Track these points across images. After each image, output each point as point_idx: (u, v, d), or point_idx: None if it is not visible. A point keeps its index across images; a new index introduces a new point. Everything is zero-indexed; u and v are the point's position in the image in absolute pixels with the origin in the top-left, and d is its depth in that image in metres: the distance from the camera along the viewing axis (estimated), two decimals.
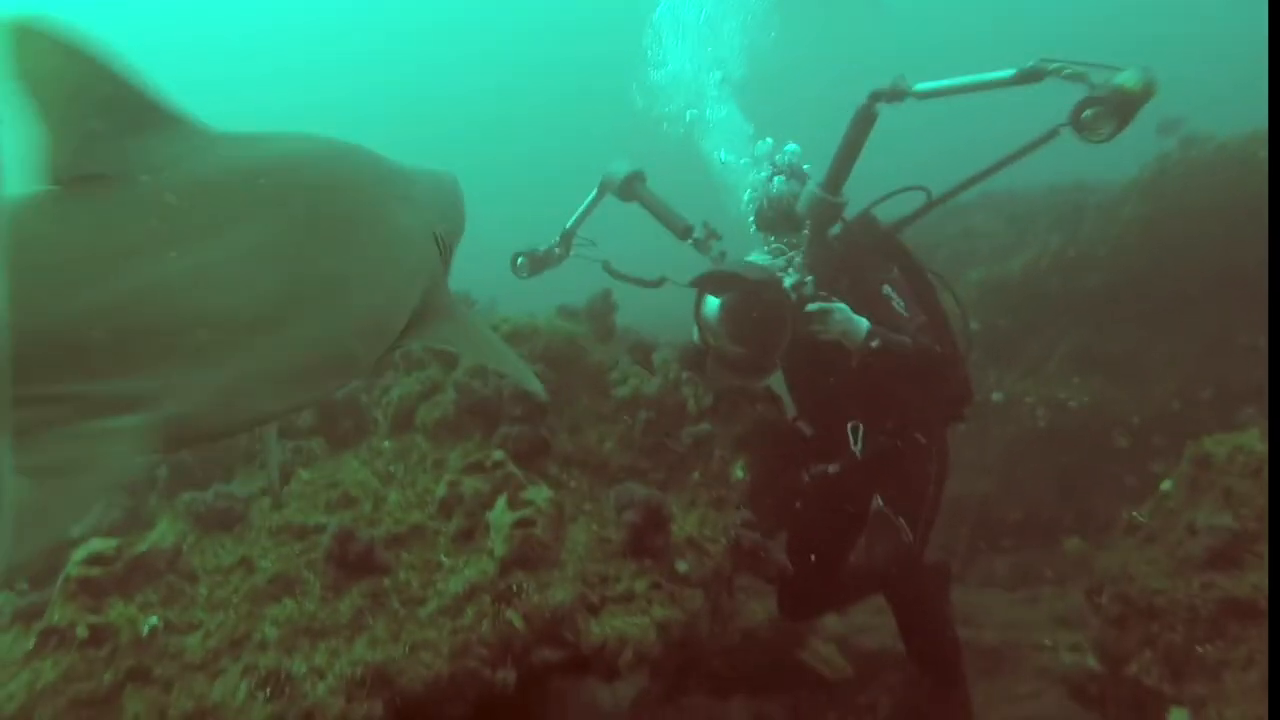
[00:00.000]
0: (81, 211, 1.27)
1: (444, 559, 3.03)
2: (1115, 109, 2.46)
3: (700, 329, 3.24)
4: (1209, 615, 2.53)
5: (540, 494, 3.07)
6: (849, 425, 3.30)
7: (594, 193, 4.01)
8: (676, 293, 3.88)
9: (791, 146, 3.64)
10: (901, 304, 3.13)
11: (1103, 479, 6.23)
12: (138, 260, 1.27)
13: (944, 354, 3.07)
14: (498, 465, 3.27)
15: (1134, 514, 3.55)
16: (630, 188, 3.83)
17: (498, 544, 2.92)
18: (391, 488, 3.55)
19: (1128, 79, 2.47)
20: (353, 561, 2.94)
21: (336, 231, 1.58)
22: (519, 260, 4.07)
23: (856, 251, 3.27)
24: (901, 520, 3.21)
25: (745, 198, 3.55)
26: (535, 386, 1.95)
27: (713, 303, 3.15)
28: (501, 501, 3.06)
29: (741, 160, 3.65)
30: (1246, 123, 6.71)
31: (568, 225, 4.07)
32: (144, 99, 1.36)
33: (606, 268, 4.02)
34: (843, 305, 3.06)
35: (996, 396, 6.73)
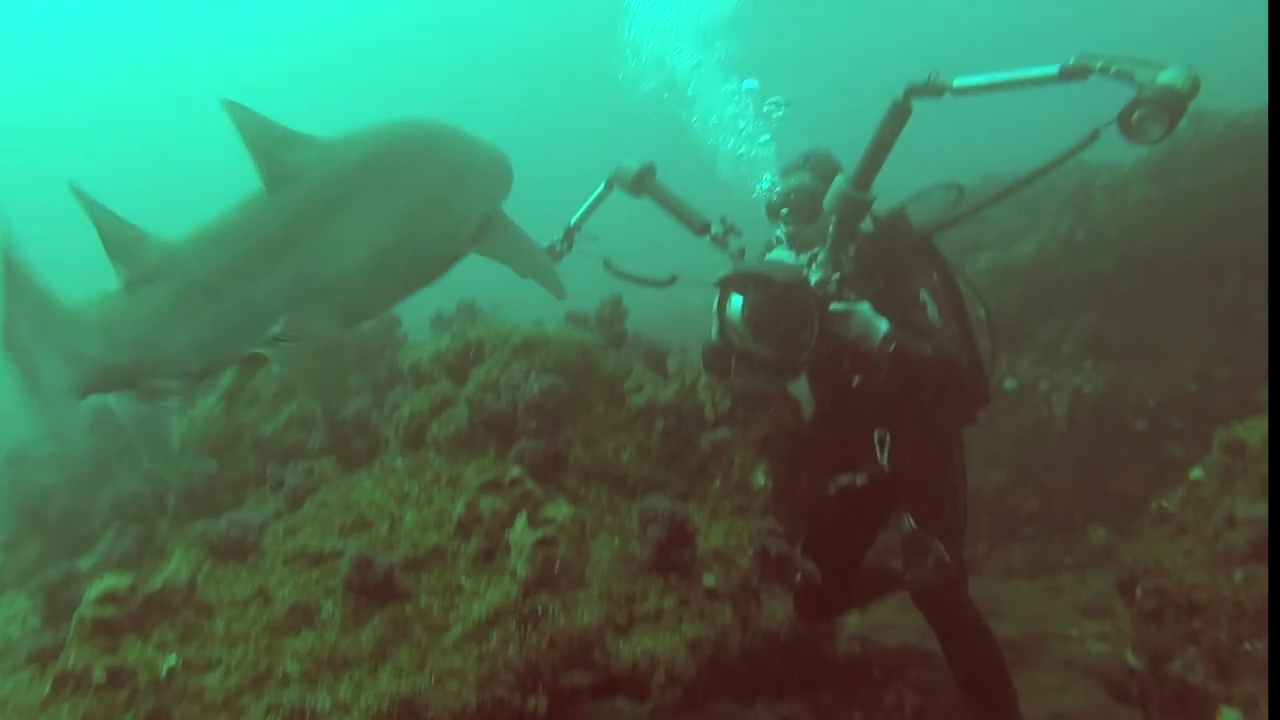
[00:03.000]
0: (276, 202, 2.12)
1: (465, 582, 2.97)
2: (1165, 109, 2.39)
3: (724, 328, 3.14)
4: (1255, 610, 2.46)
5: (561, 510, 3.00)
6: (875, 434, 3.22)
7: (601, 187, 3.92)
8: (679, 287, 3.78)
9: (750, 83, 3.66)
10: (935, 311, 3.04)
11: (1120, 464, 6.16)
12: (306, 230, 2.12)
13: (967, 368, 2.98)
14: (515, 482, 3.20)
15: (1162, 503, 3.48)
16: (642, 182, 3.75)
17: (519, 565, 2.85)
18: (407, 508, 3.48)
19: (1174, 77, 2.40)
20: (372, 588, 2.87)
21: (420, 185, 2.34)
22: None
23: (894, 251, 3.19)
24: (937, 541, 3.13)
25: (764, 185, 3.48)
26: (561, 294, 2.55)
27: (737, 301, 3.05)
28: (521, 520, 3.00)
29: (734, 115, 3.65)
30: (1255, 100, 6.62)
31: (572, 220, 3.97)
32: (287, 133, 2.14)
33: (608, 265, 3.92)
34: (865, 306, 2.98)
35: (1009, 384, 6.65)
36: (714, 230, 3.62)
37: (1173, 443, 6.01)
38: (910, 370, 2.95)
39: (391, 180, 2.26)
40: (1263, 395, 5.77)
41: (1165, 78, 2.42)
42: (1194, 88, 2.42)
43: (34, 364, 1.73)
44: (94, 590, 2.85)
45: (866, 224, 3.18)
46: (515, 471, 3.25)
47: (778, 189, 3.36)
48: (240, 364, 2.14)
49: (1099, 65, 2.57)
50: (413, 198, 2.28)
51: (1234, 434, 3.19)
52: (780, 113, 3.68)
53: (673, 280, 3.74)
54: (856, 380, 3.24)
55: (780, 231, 3.42)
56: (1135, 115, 2.44)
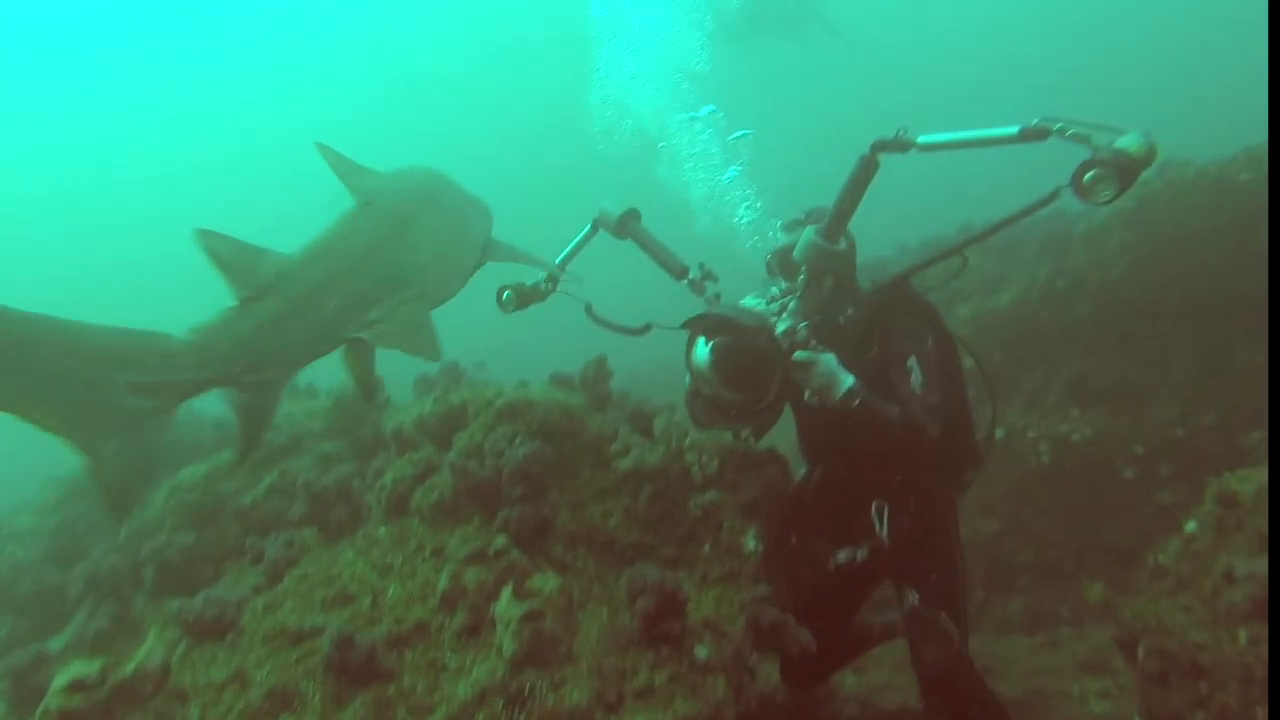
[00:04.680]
0: (364, 218, 2.67)
1: (450, 659, 2.87)
2: (1117, 172, 2.39)
3: (691, 373, 3.14)
4: (1264, 675, 2.40)
5: (547, 582, 2.92)
6: (874, 506, 3.17)
7: (586, 229, 3.93)
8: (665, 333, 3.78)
9: (708, 108, 3.81)
10: (920, 378, 3.02)
11: (1112, 512, 6.12)
12: (389, 239, 2.66)
13: (939, 438, 2.93)
14: (500, 553, 3.13)
15: (1158, 557, 3.43)
16: (625, 225, 3.76)
17: (505, 640, 2.76)
18: (390, 580, 3.39)
19: (1130, 143, 2.42)
20: (354, 669, 2.77)
21: (450, 209, 2.97)
22: (505, 294, 3.94)
23: (892, 315, 3.18)
24: (945, 617, 3.06)
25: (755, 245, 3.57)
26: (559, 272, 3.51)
27: (703, 347, 3.06)
28: (507, 592, 2.92)
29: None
30: (1221, 148, 6.77)
31: (556, 261, 3.97)
32: (359, 166, 2.76)
33: (589, 312, 3.90)
34: (830, 358, 2.98)
35: (997, 433, 6.63)
36: (692, 275, 3.62)
37: (1163, 490, 5.99)
38: (871, 428, 2.93)
39: (433, 204, 2.89)
40: (1250, 440, 5.78)
41: (1122, 142, 2.43)
42: (1149, 154, 2.43)
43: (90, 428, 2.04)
44: (61, 678, 2.74)
45: (867, 285, 3.20)
46: (500, 541, 3.17)
47: (776, 245, 3.39)
48: (346, 346, 2.56)
49: (1057, 127, 2.61)
50: (449, 217, 2.94)
51: (1226, 486, 3.16)
52: (745, 134, 3.83)
53: (648, 329, 3.72)
54: (851, 449, 3.21)
55: (775, 289, 3.43)
56: (1087, 176, 2.44)
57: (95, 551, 5.14)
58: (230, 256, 2.28)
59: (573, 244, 3.95)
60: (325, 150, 2.69)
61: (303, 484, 4.21)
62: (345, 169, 2.70)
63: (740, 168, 3.83)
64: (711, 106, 4.12)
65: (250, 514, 4.51)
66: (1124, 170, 2.38)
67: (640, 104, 4.31)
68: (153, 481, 2.11)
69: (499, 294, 3.93)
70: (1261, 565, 2.63)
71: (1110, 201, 2.45)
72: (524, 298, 3.92)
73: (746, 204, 3.72)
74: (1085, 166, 2.43)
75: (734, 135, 3.95)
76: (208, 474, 4.98)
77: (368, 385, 2.66)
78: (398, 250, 2.67)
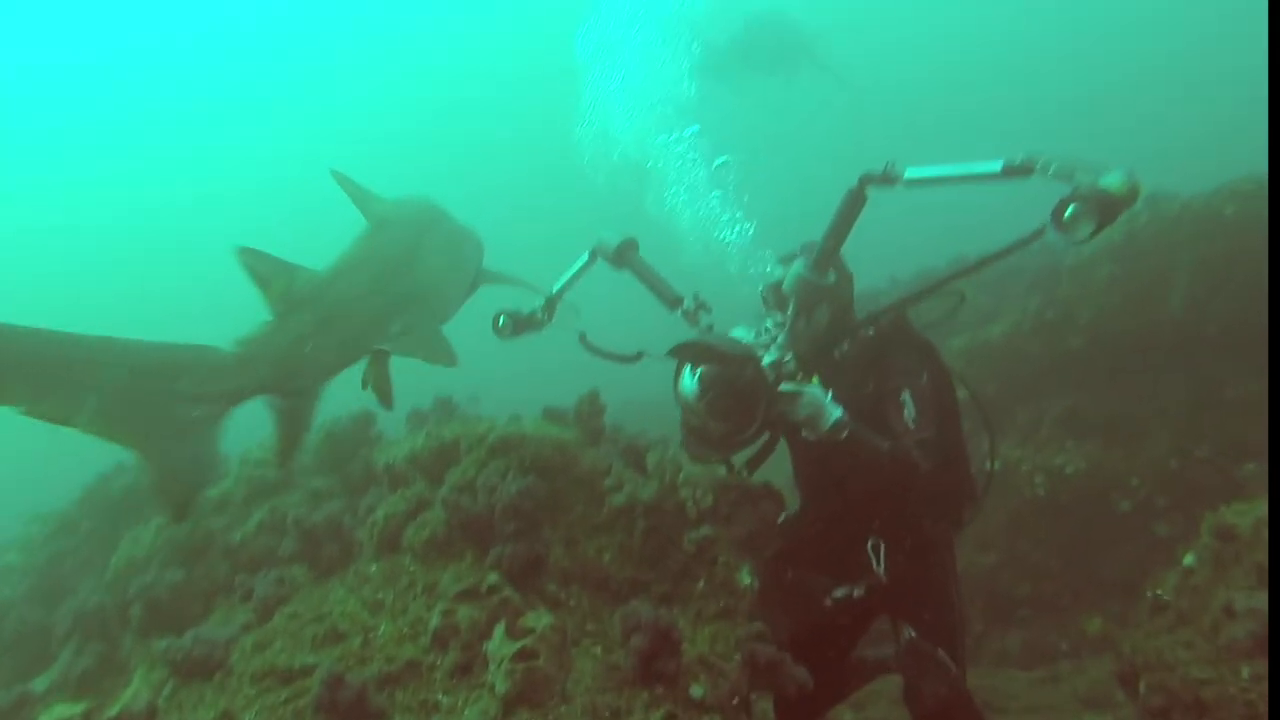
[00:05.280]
0: (380, 240, 2.97)
1: (442, 698, 2.82)
2: (1097, 209, 2.36)
3: (677, 401, 3.15)
4: (1265, 711, 2.37)
5: (541, 620, 2.88)
6: (869, 543, 3.15)
7: (584, 258, 3.93)
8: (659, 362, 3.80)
9: (692, 129, 3.93)
10: (913, 413, 3.01)
11: (1108, 545, 6.11)
12: (404, 260, 2.96)
13: (928, 472, 2.92)
14: (493, 589, 3.09)
15: (1157, 591, 3.41)
16: (623, 255, 3.77)
17: (498, 679, 2.72)
18: (382, 618, 3.34)
19: (1112, 180, 2.39)
20: (344, 709, 2.72)
21: (450, 234, 3.29)
22: (501, 320, 3.95)
23: (890, 351, 3.18)
24: (942, 653, 3.03)
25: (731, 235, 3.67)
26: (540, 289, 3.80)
27: (689, 377, 3.06)
28: (499, 630, 2.88)
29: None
30: (1205, 184, 6.86)
31: (554, 289, 3.97)
32: (369, 192, 3.02)
33: (583, 341, 3.90)
34: (816, 389, 2.97)
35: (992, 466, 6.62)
36: (686, 305, 3.63)
37: (1159, 522, 5.98)
38: (860, 461, 2.92)
39: (436, 230, 3.17)
40: (1244, 472, 5.78)
41: (1105, 180, 2.41)
42: (1132, 192, 2.40)
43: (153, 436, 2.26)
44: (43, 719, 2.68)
45: (870, 330, 3.20)
46: (493, 578, 3.13)
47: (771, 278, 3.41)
48: (371, 356, 2.78)
49: (1040, 163, 2.60)
50: (449, 243, 3.24)
51: (1223, 519, 3.16)
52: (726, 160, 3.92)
53: (640, 356, 3.72)
54: (847, 486, 3.19)
55: (769, 322, 3.43)
56: (1067, 212, 2.41)
57: (82, 589, 5.07)
58: (268, 273, 2.47)
59: (570, 273, 3.96)
60: (339, 177, 2.89)
61: (293, 520, 4.17)
62: (357, 194, 2.91)
63: (721, 193, 3.88)
64: (696, 127, 4.19)
65: (240, 551, 4.46)
66: (1104, 207, 2.36)
67: (626, 133, 4.38)
68: (208, 484, 2.49)
69: (495, 319, 3.96)
70: (1261, 600, 2.61)
71: (1090, 238, 2.41)
72: (520, 324, 3.95)
73: (733, 227, 3.75)
74: (1065, 202, 2.41)
75: (718, 161, 4.00)
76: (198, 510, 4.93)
77: (386, 394, 2.88)
78: (410, 270, 2.92)
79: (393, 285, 2.80)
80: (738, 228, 3.75)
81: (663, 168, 4.08)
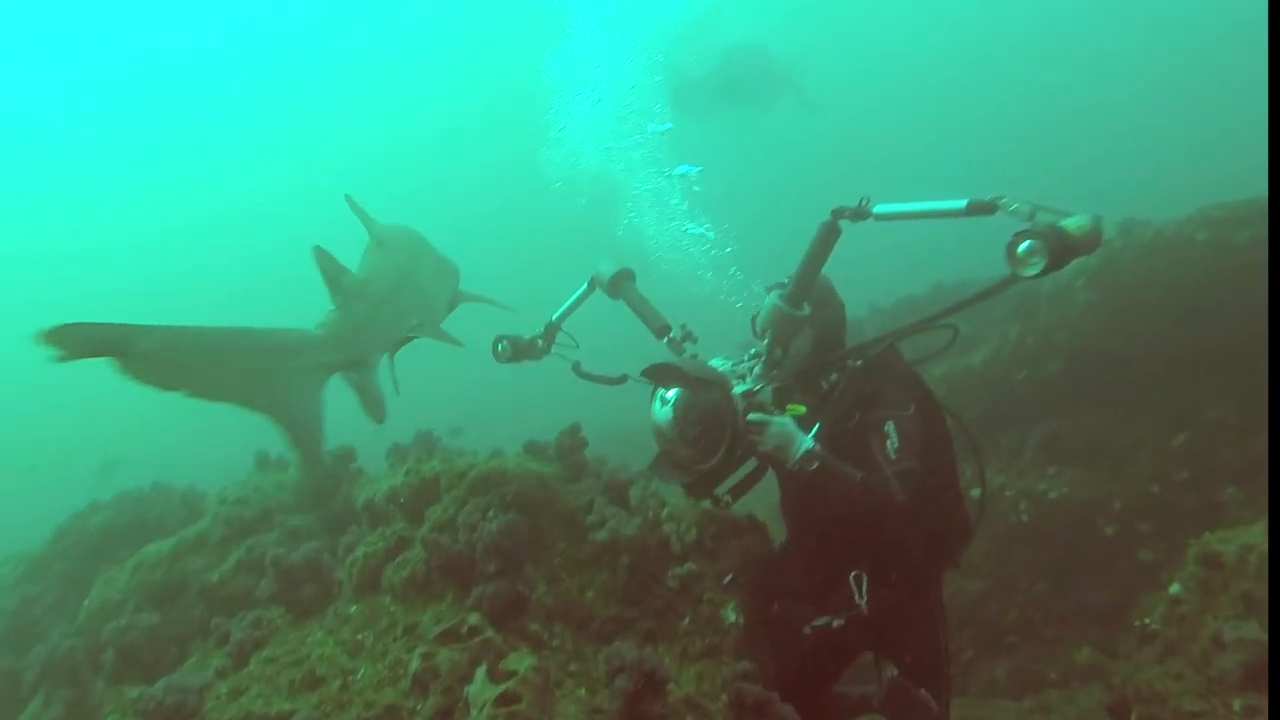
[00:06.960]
0: (390, 256, 3.50)
1: None
2: (1047, 246, 2.31)
3: (651, 426, 3.15)
4: None
5: (523, 662, 2.82)
6: (852, 575, 3.12)
7: (583, 287, 3.95)
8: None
9: (684, 168, 4.04)
10: (896, 444, 2.99)
11: (1094, 571, 6.09)
12: (410, 272, 3.57)
13: (904, 504, 2.89)
14: (474, 630, 3.03)
15: (1145, 620, 3.40)
16: (618, 285, 3.79)
17: None
18: (361, 661, 3.28)
19: (1073, 223, 2.36)
20: None
21: (434, 256, 3.86)
22: (500, 345, 3.97)
23: (877, 383, 3.16)
24: (924, 691, 3.00)
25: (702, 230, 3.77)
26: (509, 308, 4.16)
27: (659, 401, 3.08)
28: (481, 673, 2.81)
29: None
30: (1176, 208, 6.96)
31: (553, 318, 3.98)
32: (372, 219, 3.51)
33: (575, 369, 3.92)
34: (785, 420, 2.96)
35: (976, 493, 6.62)
36: (673, 334, 3.63)
37: (1143, 548, 5.98)
38: (830, 491, 2.91)
39: (425, 251, 3.77)
40: (1224, 495, 5.80)
41: (1066, 222, 2.39)
42: (1092, 237, 2.37)
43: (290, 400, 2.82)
44: None
45: (858, 361, 3.19)
46: (474, 619, 3.08)
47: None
48: (347, 374, 3.07)
49: (1003, 202, 2.59)
50: (436, 261, 3.85)
51: (1208, 546, 3.15)
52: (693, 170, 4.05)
53: (624, 379, 3.73)
54: (831, 519, 3.16)
55: (750, 352, 3.42)
56: (1021, 247, 2.37)
57: (53, 634, 4.95)
58: (333, 271, 3.00)
59: (569, 302, 3.99)
60: (351, 201, 3.40)
61: (271, 560, 4.09)
62: (365, 218, 3.44)
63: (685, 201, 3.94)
64: (669, 124, 4.25)
65: (216, 592, 4.38)
66: (1058, 248, 2.31)
67: (595, 152, 4.41)
68: (323, 437, 2.90)
69: (494, 344, 4.00)
70: (1250, 630, 2.60)
71: (1041, 275, 2.38)
72: (519, 350, 3.98)
73: (702, 244, 3.77)
74: (1019, 237, 2.38)
75: (680, 169, 4.04)
76: (174, 550, 4.84)
77: (375, 405, 3.13)
78: (415, 280, 3.55)
79: (405, 291, 3.41)
80: (711, 246, 3.78)
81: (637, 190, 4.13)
